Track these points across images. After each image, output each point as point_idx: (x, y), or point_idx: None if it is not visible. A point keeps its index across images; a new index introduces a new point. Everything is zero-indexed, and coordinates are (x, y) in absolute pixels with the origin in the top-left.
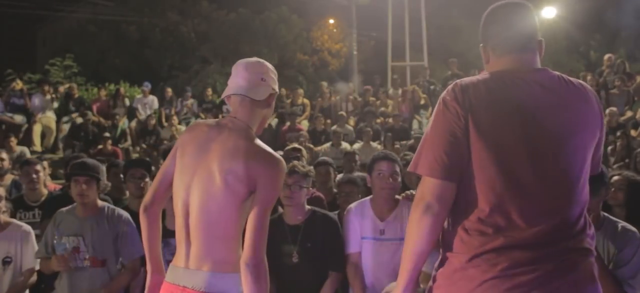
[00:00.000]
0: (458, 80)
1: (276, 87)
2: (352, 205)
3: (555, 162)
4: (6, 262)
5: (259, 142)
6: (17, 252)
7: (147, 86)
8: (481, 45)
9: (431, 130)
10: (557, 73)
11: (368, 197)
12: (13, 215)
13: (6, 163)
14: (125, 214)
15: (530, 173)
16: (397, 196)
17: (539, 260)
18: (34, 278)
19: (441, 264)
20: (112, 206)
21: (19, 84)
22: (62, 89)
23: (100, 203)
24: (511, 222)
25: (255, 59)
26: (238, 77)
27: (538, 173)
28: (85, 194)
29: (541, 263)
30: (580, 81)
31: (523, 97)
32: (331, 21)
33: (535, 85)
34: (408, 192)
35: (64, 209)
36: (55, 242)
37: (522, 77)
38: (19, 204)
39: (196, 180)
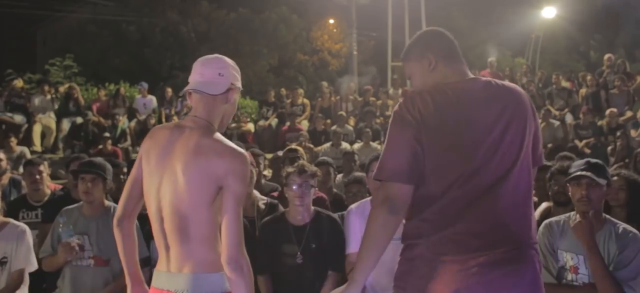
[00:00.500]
0: (408, 93)
1: (237, 83)
2: (353, 206)
3: (497, 156)
4: (3, 262)
5: (220, 137)
6: (12, 251)
7: (143, 86)
8: (429, 55)
9: (390, 139)
10: (488, 78)
11: (369, 198)
12: (15, 215)
13: (4, 164)
14: None
15: (476, 167)
16: None
17: (486, 247)
18: (27, 279)
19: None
20: (117, 205)
21: (19, 83)
22: (62, 88)
23: (106, 203)
24: (460, 214)
25: (214, 55)
26: (195, 74)
27: (482, 168)
28: (90, 192)
29: (488, 250)
30: (511, 83)
31: (465, 103)
32: (331, 21)
33: (473, 91)
34: None
35: (69, 207)
36: (60, 230)
37: (461, 86)
38: (21, 204)
39: (164, 184)
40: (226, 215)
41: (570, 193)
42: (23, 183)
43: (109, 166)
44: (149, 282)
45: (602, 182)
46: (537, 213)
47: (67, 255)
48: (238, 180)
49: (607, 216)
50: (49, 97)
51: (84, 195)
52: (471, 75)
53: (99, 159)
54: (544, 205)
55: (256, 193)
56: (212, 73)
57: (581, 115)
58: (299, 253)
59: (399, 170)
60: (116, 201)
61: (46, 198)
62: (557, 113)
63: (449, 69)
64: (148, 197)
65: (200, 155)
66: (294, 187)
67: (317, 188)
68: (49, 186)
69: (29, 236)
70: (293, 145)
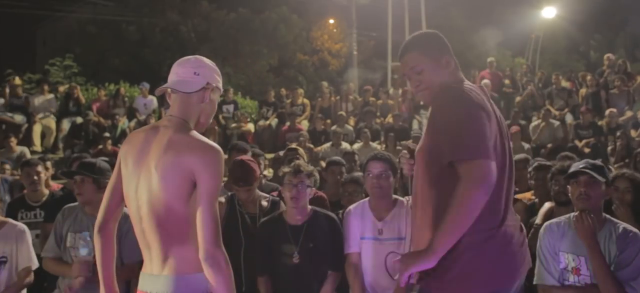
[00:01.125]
0: (465, 86)
1: (215, 82)
2: (352, 206)
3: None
4: (2, 261)
5: (194, 133)
6: (13, 251)
7: (144, 86)
8: (447, 56)
9: (465, 116)
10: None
11: (367, 198)
12: (14, 216)
13: None
14: None
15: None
16: (395, 196)
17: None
18: (31, 278)
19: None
20: None
21: (18, 81)
22: (62, 88)
23: None
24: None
25: (193, 56)
26: (171, 74)
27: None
28: (80, 193)
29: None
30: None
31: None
32: (331, 21)
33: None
34: (407, 197)
35: (71, 205)
36: (81, 245)
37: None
38: (20, 204)
39: (141, 184)
40: (199, 210)
41: (570, 193)
42: (10, 182)
43: (102, 165)
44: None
45: (601, 179)
46: (540, 215)
47: (84, 273)
48: (210, 174)
49: (607, 216)
50: (49, 97)
51: (77, 195)
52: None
53: (91, 160)
54: (547, 205)
55: (258, 191)
56: (187, 72)
57: (581, 115)
58: (296, 252)
59: (486, 147)
60: None
61: (44, 199)
62: (557, 113)
63: (459, 72)
64: (128, 199)
65: (171, 152)
66: (289, 187)
67: (314, 188)
68: (52, 186)
69: (29, 235)
70: (293, 145)
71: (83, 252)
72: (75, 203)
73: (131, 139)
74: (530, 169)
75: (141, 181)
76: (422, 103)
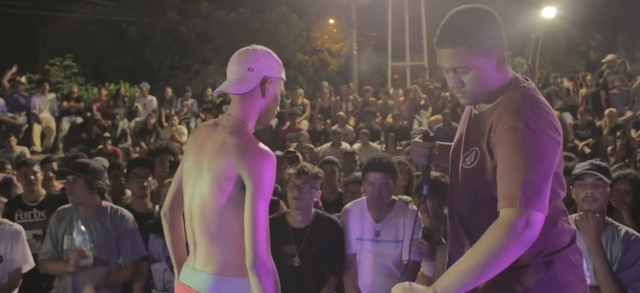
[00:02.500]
0: (540, 102)
1: (275, 73)
2: (348, 206)
3: None
4: None
5: (247, 136)
6: (7, 251)
7: (145, 86)
8: (496, 52)
9: (535, 161)
10: None
11: (364, 197)
12: (11, 216)
13: None
14: (129, 214)
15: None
16: (393, 197)
17: None
18: (20, 279)
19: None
20: (115, 206)
21: (23, 79)
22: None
23: (104, 203)
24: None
25: (247, 47)
26: (228, 72)
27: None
28: (71, 192)
29: None
30: None
31: None
32: (331, 21)
33: None
34: (405, 197)
35: (65, 206)
36: (75, 233)
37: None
38: (17, 204)
39: (196, 183)
40: (247, 218)
41: (574, 194)
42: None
43: (96, 166)
44: (149, 276)
45: (607, 181)
46: None
47: (78, 263)
48: (259, 179)
49: (609, 218)
50: (50, 97)
51: (67, 194)
52: None
53: (83, 160)
54: None
55: None
56: (242, 69)
57: (580, 115)
58: (296, 256)
59: (543, 200)
60: (116, 200)
61: (41, 199)
62: (556, 113)
63: (510, 70)
64: (184, 193)
65: (222, 154)
66: (292, 188)
67: (320, 191)
68: (56, 186)
69: (24, 235)
70: (291, 148)
71: (78, 239)
72: (70, 205)
73: (195, 133)
74: None
75: (196, 180)
76: (422, 102)
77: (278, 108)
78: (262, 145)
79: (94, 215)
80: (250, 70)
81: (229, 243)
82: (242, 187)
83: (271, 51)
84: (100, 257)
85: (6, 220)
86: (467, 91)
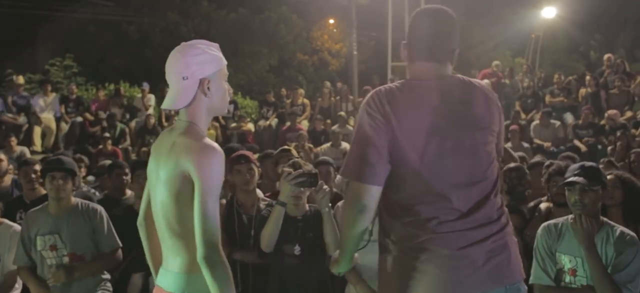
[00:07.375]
0: (377, 89)
1: (209, 69)
2: (340, 203)
3: (469, 154)
4: None
5: (195, 135)
6: (6, 251)
7: (145, 86)
8: (405, 42)
9: (357, 137)
10: (461, 77)
11: None
12: (13, 216)
13: (4, 164)
14: (100, 208)
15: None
16: None
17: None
18: (18, 281)
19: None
20: (85, 201)
21: (20, 79)
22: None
23: (73, 199)
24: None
25: (177, 51)
26: (167, 80)
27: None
28: (61, 189)
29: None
30: (479, 81)
31: (434, 103)
32: (331, 21)
33: (444, 92)
34: None
35: (34, 209)
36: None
37: (432, 85)
38: (18, 204)
39: (156, 186)
40: (195, 211)
41: (567, 198)
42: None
43: (74, 164)
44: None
45: (595, 187)
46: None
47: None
48: (204, 174)
49: (604, 219)
50: (51, 97)
51: (55, 192)
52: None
53: (68, 158)
54: (544, 205)
55: (259, 192)
56: (177, 80)
57: (582, 115)
58: (297, 245)
59: (368, 172)
60: (117, 200)
61: (42, 198)
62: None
63: (425, 64)
64: (150, 198)
65: (172, 155)
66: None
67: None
68: None
69: None
70: (285, 146)
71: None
72: (39, 207)
73: (157, 139)
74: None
75: (156, 183)
76: None
77: (230, 95)
78: (208, 141)
79: (67, 211)
80: (185, 78)
81: (189, 240)
82: (192, 184)
83: (201, 44)
84: (76, 253)
85: (5, 220)
86: None
